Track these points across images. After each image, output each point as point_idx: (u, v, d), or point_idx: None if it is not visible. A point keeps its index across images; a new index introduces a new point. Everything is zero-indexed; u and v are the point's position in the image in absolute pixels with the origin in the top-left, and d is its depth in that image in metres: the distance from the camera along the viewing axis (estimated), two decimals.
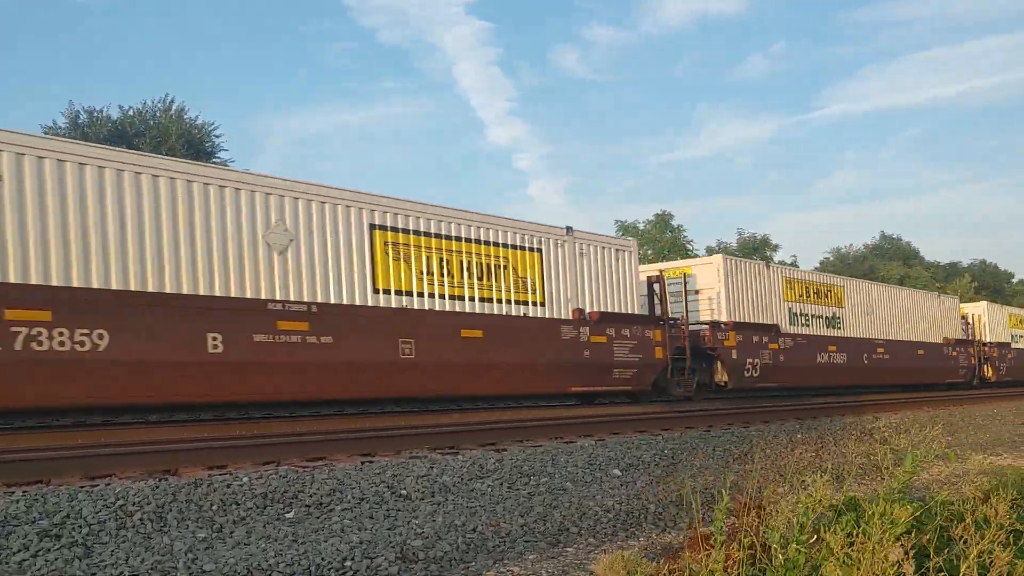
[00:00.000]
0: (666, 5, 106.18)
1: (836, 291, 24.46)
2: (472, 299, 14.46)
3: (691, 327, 18.96)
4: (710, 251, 50.59)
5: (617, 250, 17.44)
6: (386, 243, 13.37)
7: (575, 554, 5.79)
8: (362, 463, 7.50)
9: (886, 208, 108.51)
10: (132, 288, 10.51)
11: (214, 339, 10.95)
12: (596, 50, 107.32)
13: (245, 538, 5.42)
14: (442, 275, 14.10)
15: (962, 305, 32.61)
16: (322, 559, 5.11)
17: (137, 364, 10.26)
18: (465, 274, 14.42)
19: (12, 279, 9.62)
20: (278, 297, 11.84)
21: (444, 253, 14.17)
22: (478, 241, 14.74)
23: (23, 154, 9.86)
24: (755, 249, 51.24)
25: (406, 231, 13.68)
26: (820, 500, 3.69)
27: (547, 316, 15.63)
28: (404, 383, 13.17)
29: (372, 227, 13.23)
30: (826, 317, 23.84)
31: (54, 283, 9.91)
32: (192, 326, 10.79)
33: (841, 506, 4.17)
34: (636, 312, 17.50)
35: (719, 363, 19.55)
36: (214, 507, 5.81)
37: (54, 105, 66.13)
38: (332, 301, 12.49)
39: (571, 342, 15.80)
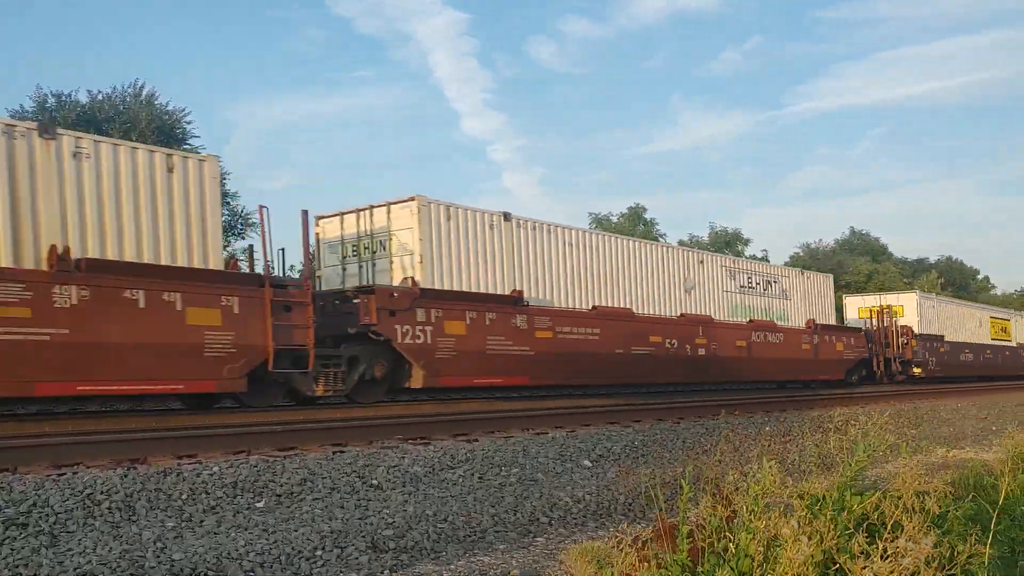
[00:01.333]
0: None
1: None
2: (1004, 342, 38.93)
3: None
4: (682, 244, 50.96)
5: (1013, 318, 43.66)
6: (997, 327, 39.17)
7: (545, 544, 5.85)
8: (333, 453, 7.50)
9: (856, 204, 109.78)
10: None
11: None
12: (572, 43, 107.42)
13: (215, 527, 5.42)
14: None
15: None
16: (292, 548, 5.13)
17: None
18: None
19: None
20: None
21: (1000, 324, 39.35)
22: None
23: None
24: (727, 243, 51.62)
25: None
26: (765, 490, 3.76)
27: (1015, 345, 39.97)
28: (1010, 370, 37.99)
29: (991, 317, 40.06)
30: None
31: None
32: None
33: (796, 496, 4.23)
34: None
35: None
36: (183, 496, 5.79)
37: (17, 88, 64.66)
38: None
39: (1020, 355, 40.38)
